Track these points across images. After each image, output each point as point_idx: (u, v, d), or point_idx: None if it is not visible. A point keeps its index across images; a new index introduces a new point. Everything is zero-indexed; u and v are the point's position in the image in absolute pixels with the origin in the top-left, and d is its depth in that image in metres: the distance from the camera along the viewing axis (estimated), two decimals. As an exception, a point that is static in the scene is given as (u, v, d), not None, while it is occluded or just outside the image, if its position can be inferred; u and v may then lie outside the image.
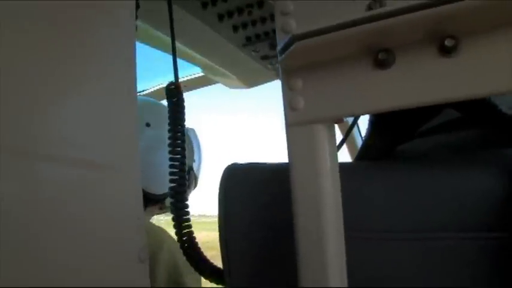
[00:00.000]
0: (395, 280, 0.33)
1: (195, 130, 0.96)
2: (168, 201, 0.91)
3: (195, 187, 0.96)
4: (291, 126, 0.31)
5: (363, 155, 0.46)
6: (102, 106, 0.43)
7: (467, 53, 0.26)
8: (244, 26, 0.77)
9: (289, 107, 0.31)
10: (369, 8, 0.28)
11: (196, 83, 1.11)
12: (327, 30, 0.27)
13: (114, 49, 0.46)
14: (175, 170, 0.51)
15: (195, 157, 0.95)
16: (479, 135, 0.42)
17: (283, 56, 0.30)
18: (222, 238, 0.41)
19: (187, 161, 0.93)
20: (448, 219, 0.32)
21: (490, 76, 0.26)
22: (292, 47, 0.28)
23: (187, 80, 1.10)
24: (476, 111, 0.37)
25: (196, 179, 0.95)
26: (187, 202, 0.51)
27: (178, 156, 0.51)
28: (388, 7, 0.27)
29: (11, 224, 0.33)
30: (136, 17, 0.52)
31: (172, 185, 0.51)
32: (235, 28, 0.78)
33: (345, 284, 0.31)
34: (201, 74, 1.03)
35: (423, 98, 0.27)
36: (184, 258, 0.76)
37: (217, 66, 0.91)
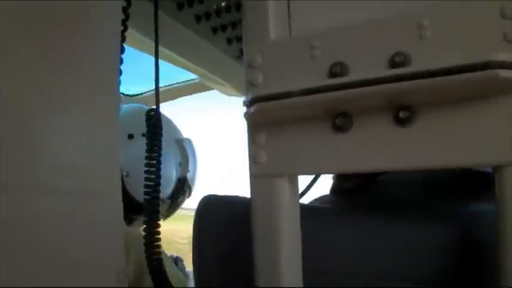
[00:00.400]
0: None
1: (191, 140, 0.97)
2: (160, 209, 0.93)
3: (189, 196, 0.98)
4: (253, 177, 0.32)
5: (336, 189, 0.47)
6: (84, 133, 0.44)
7: (422, 125, 0.27)
8: (238, 39, 0.78)
9: (253, 159, 0.32)
10: (331, 72, 0.29)
11: (193, 89, 1.12)
12: (288, 94, 0.28)
13: (97, 73, 0.47)
14: (147, 196, 0.52)
15: (190, 167, 0.96)
16: (450, 176, 0.43)
17: (247, 111, 0.31)
18: (195, 267, 0.43)
19: (181, 172, 0.95)
20: (397, 268, 0.34)
21: (443, 149, 0.27)
22: (254, 107, 0.29)
23: (185, 84, 1.11)
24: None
25: (190, 188, 0.97)
26: (159, 229, 0.52)
27: (152, 183, 0.52)
28: (348, 77, 0.27)
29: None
30: (124, 39, 0.52)
31: (147, 220, 0.52)
32: (229, 41, 0.79)
33: None
34: (197, 80, 1.04)
35: (376, 165, 0.28)
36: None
37: (212, 75, 0.92)
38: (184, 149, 0.93)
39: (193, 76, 1.05)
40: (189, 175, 0.95)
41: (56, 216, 0.40)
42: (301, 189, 0.74)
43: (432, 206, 0.37)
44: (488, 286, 0.30)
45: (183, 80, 1.10)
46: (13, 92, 0.37)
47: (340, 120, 0.29)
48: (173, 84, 1.11)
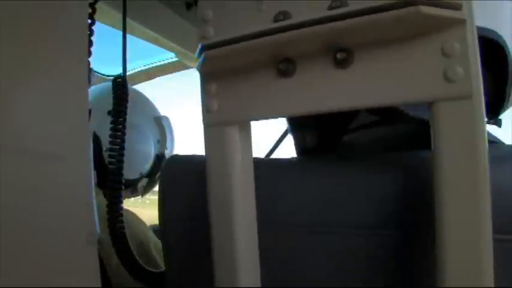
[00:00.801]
0: (305, 272, 0.36)
1: (168, 117, 0.98)
2: (140, 185, 0.94)
3: None
4: (206, 126, 0.33)
5: (299, 150, 0.48)
6: (53, 98, 0.45)
7: (359, 66, 0.29)
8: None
9: (205, 108, 0.33)
10: (275, 20, 0.30)
11: (172, 68, 1.12)
12: (234, 40, 0.30)
13: (67, 42, 0.48)
14: (112, 159, 0.53)
15: (168, 144, 0.97)
16: (411, 132, 0.44)
17: (198, 61, 0.32)
18: (161, 229, 0.44)
19: (159, 149, 0.96)
20: (350, 216, 0.35)
21: (380, 88, 0.28)
22: (203, 55, 0.31)
23: (164, 64, 1.12)
24: (385, 113, 0.40)
25: None
26: (121, 203, 0.53)
27: (116, 152, 0.53)
28: (289, 21, 0.29)
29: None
30: (94, 11, 0.53)
31: (109, 187, 0.53)
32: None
33: (258, 283, 0.34)
34: (176, 59, 1.05)
35: (319, 107, 0.30)
36: (153, 238, 0.80)
37: (190, 53, 0.93)
38: (162, 127, 0.95)
39: (171, 55, 1.06)
40: (166, 152, 0.97)
41: (23, 178, 0.41)
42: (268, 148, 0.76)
43: (383, 157, 0.38)
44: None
45: (162, 60, 1.11)
46: None
47: (284, 65, 0.30)
48: (151, 64, 1.12)
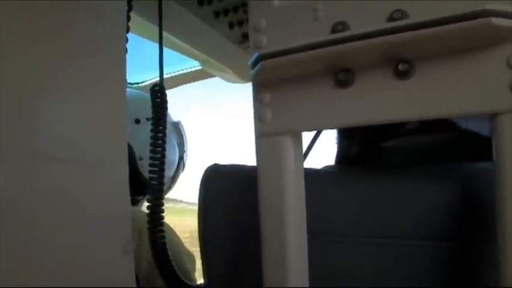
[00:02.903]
0: (350, 281, 0.36)
1: (181, 122, 1.01)
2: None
3: (182, 171, 1.02)
4: (259, 136, 0.33)
5: (340, 158, 0.48)
6: (91, 106, 0.45)
7: (420, 77, 0.28)
8: (240, 23, 0.79)
9: (258, 118, 0.33)
10: (333, 30, 0.30)
11: (195, 76, 1.13)
12: (292, 51, 0.29)
13: (104, 49, 0.48)
14: (154, 175, 0.53)
15: (185, 148, 1.00)
16: (453, 141, 0.44)
17: (252, 71, 0.32)
18: (200, 237, 0.44)
19: (179, 152, 0.97)
20: (401, 227, 0.35)
21: (442, 100, 0.28)
22: (259, 65, 0.31)
23: (186, 72, 1.12)
24: (437, 124, 0.39)
25: (184, 167, 1.01)
26: (163, 217, 0.53)
27: (157, 162, 0.53)
28: (348, 32, 0.29)
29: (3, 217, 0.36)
30: (129, 19, 0.54)
31: (150, 196, 0.53)
32: (231, 25, 0.80)
33: (306, 284, 0.34)
34: (200, 67, 1.05)
35: (378, 117, 0.29)
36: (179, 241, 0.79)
37: (214, 61, 0.93)
38: (180, 131, 0.97)
39: (195, 64, 1.06)
40: (184, 155, 1.00)
41: (57, 186, 0.41)
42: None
43: (432, 168, 0.38)
44: (490, 244, 0.31)
45: (185, 68, 1.11)
46: (19, 65, 0.38)
47: (342, 76, 0.30)
48: (175, 72, 1.12)
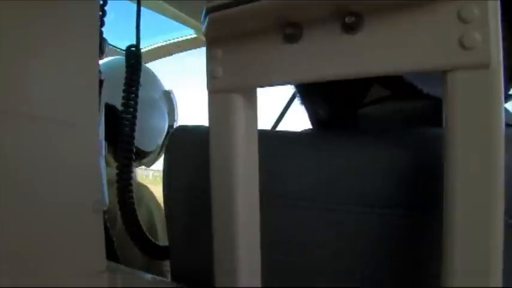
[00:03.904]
0: (306, 248, 0.35)
1: (173, 91, 1.00)
2: (151, 155, 0.95)
3: None
4: (211, 93, 0.32)
5: (315, 123, 0.47)
6: (64, 68, 0.45)
7: (369, 31, 0.27)
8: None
9: (210, 75, 0.32)
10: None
11: (190, 44, 1.11)
12: (238, 2, 0.28)
13: (77, 11, 0.47)
14: (125, 136, 0.53)
15: (176, 117, 0.99)
16: (426, 108, 0.42)
17: (203, 26, 0.31)
18: (163, 196, 0.44)
19: (170, 121, 0.97)
20: (356, 193, 0.34)
21: (391, 55, 0.27)
22: (207, 18, 0.29)
23: (181, 40, 1.11)
24: (398, 89, 0.38)
25: None
26: (131, 173, 0.53)
27: (128, 121, 0.53)
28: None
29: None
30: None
31: (120, 156, 0.53)
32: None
33: (258, 248, 0.33)
34: (195, 35, 1.03)
35: (327, 73, 0.28)
36: (162, 214, 0.80)
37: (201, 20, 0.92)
38: (171, 100, 0.97)
39: (190, 31, 1.05)
40: (175, 124, 1.00)
41: (30, 143, 0.42)
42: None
43: (396, 133, 0.37)
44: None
45: (180, 36, 1.10)
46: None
47: (290, 30, 0.28)
48: (170, 40, 1.11)
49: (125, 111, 0.53)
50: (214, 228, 0.33)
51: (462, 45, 0.25)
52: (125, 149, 0.53)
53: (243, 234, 0.32)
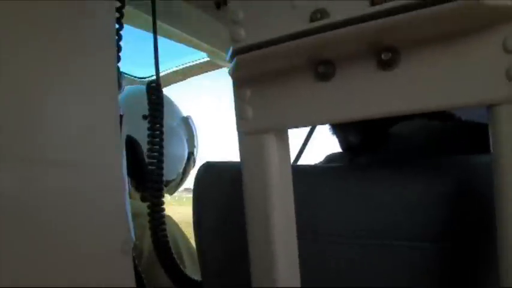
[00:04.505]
0: (340, 282, 0.34)
1: (191, 117, 0.99)
2: (173, 183, 0.95)
3: (193, 167, 1.01)
4: (242, 134, 0.32)
5: (343, 146, 0.45)
6: (82, 108, 0.45)
7: (406, 67, 0.26)
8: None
9: (239, 116, 0.31)
10: (311, 19, 0.28)
11: (203, 68, 1.11)
12: (267, 43, 0.27)
13: (95, 49, 0.47)
14: (153, 172, 0.52)
15: (195, 143, 0.99)
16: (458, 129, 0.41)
17: (230, 66, 0.30)
18: (194, 231, 0.43)
19: (189, 147, 0.97)
20: (393, 228, 0.33)
21: (431, 91, 0.25)
22: (234, 60, 0.29)
23: (194, 64, 1.11)
24: (435, 117, 0.37)
25: (195, 162, 1.01)
26: (163, 211, 0.53)
27: (155, 160, 0.52)
28: (327, 20, 0.26)
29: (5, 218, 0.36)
30: (122, 15, 0.53)
31: (150, 194, 0.53)
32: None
33: (298, 284, 0.32)
34: (207, 58, 1.04)
35: (362, 113, 0.27)
36: (186, 241, 0.79)
37: (221, 52, 0.92)
38: (189, 126, 0.96)
39: (202, 55, 1.05)
40: (195, 150, 0.99)
41: (55, 189, 0.41)
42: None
43: (430, 162, 0.35)
44: (490, 245, 0.29)
45: (193, 60, 1.10)
46: (15, 72, 0.38)
47: (322, 68, 0.27)
48: (183, 64, 1.12)
49: (150, 149, 0.53)
50: (252, 265, 0.32)
51: (509, 78, 0.23)
52: (154, 188, 0.53)
53: (282, 271, 0.31)
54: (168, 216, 0.85)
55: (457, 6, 0.22)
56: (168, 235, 0.77)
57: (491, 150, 0.25)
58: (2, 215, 0.36)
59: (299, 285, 0.32)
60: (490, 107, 0.25)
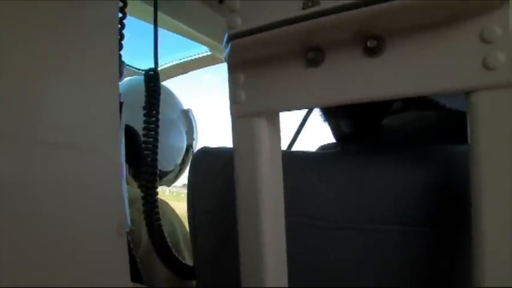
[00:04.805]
0: (331, 265, 0.35)
1: (192, 110, 1.01)
2: (172, 174, 0.96)
3: None
4: (234, 117, 0.33)
5: (338, 137, 0.47)
6: (84, 93, 0.46)
7: (391, 54, 0.27)
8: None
9: (233, 100, 0.33)
10: (303, 7, 0.29)
11: (205, 62, 1.13)
12: (261, 29, 0.29)
13: (97, 37, 0.48)
14: (148, 159, 0.54)
15: (194, 136, 1.00)
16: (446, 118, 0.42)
17: (225, 52, 0.31)
18: (188, 217, 0.44)
19: (188, 140, 0.98)
20: (381, 212, 0.34)
21: (413, 77, 0.27)
22: (229, 45, 0.30)
23: (196, 58, 1.13)
24: (417, 100, 0.38)
25: (194, 153, 1.02)
26: (156, 195, 0.54)
27: (150, 145, 0.54)
28: (316, 7, 0.28)
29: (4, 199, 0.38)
30: (125, 5, 0.54)
31: (144, 180, 0.54)
32: (236, 9, 0.79)
33: (284, 265, 0.34)
34: (209, 53, 1.05)
35: (349, 97, 0.29)
36: (184, 230, 0.81)
37: (222, 46, 0.93)
38: (189, 119, 0.98)
39: (205, 49, 1.06)
40: (194, 143, 1.00)
41: (54, 170, 0.42)
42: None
43: (417, 151, 0.37)
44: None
45: (195, 54, 1.11)
46: (19, 57, 0.40)
47: (312, 54, 0.29)
48: (185, 58, 1.13)
49: (146, 135, 0.54)
50: (241, 248, 0.34)
51: (486, 66, 0.25)
52: (148, 173, 0.54)
53: (269, 253, 0.33)
54: (166, 202, 0.86)
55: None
56: (165, 220, 0.78)
57: (468, 137, 0.27)
58: (6, 195, 0.38)
59: (286, 268, 0.34)
60: (468, 94, 0.26)
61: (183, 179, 1.05)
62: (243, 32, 0.30)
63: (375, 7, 0.25)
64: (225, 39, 0.31)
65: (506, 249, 0.25)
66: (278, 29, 0.28)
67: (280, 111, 0.32)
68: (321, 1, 0.29)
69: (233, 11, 0.33)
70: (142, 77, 1.01)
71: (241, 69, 0.32)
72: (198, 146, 1.04)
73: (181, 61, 1.14)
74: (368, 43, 0.27)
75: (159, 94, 0.54)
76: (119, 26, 0.54)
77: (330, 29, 0.27)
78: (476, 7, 0.24)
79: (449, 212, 0.33)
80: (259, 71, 0.32)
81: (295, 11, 0.29)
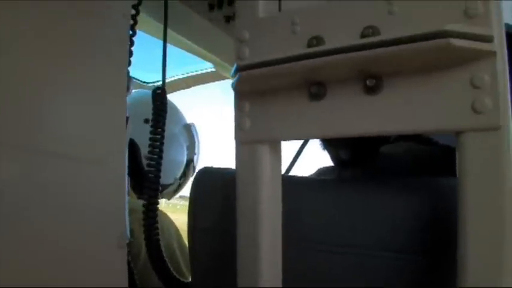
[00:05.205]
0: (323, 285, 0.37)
1: (195, 124, 1.02)
2: (170, 188, 0.97)
3: (192, 174, 1.04)
4: (238, 143, 0.35)
5: (337, 163, 0.49)
6: (92, 107, 0.48)
7: (388, 93, 0.29)
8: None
9: (238, 126, 0.35)
10: (308, 44, 0.31)
11: (208, 78, 1.15)
12: (268, 63, 0.31)
13: (108, 53, 0.50)
14: (150, 174, 0.55)
15: (196, 150, 1.01)
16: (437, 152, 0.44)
17: (232, 81, 0.34)
18: (188, 234, 0.46)
19: (189, 154, 1.00)
20: (375, 239, 0.36)
21: (408, 116, 0.29)
22: (238, 75, 0.32)
23: (201, 74, 1.15)
24: (414, 136, 0.40)
25: (194, 169, 1.03)
26: (157, 211, 0.56)
27: (154, 162, 0.55)
28: (322, 47, 0.30)
29: (5, 208, 0.39)
30: (136, 22, 0.56)
31: (146, 195, 0.56)
32: (242, 30, 0.81)
33: (279, 285, 0.35)
34: (213, 69, 1.07)
35: (348, 131, 0.31)
36: (181, 240, 0.82)
37: (227, 64, 0.96)
38: (191, 133, 0.99)
39: (210, 65, 1.09)
40: (195, 157, 1.01)
41: (57, 180, 0.43)
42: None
43: (410, 181, 0.39)
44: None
45: (200, 69, 1.14)
46: (26, 67, 0.41)
47: (315, 89, 0.31)
48: (189, 73, 1.15)
49: (151, 152, 0.56)
50: (239, 268, 0.35)
51: (474, 110, 0.27)
52: (151, 188, 0.56)
53: (266, 273, 0.34)
54: (165, 214, 0.87)
55: (432, 44, 0.26)
56: (163, 231, 0.80)
57: (457, 174, 0.29)
58: (7, 203, 0.39)
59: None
60: (458, 134, 0.28)
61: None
62: (251, 65, 0.32)
63: (375, 51, 0.27)
64: (233, 69, 0.33)
65: (487, 274, 0.27)
66: (284, 64, 0.30)
67: (282, 140, 0.34)
68: (326, 40, 0.31)
69: (242, 41, 0.35)
70: (144, 91, 1.03)
71: (247, 98, 0.34)
72: (202, 160, 1.05)
73: (185, 76, 1.16)
74: (367, 82, 0.29)
75: (165, 112, 0.56)
76: (129, 43, 0.56)
77: (332, 68, 0.30)
78: (466, 55, 0.27)
79: (440, 241, 0.35)
80: (265, 100, 0.34)
81: (301, 47, 0.32)
